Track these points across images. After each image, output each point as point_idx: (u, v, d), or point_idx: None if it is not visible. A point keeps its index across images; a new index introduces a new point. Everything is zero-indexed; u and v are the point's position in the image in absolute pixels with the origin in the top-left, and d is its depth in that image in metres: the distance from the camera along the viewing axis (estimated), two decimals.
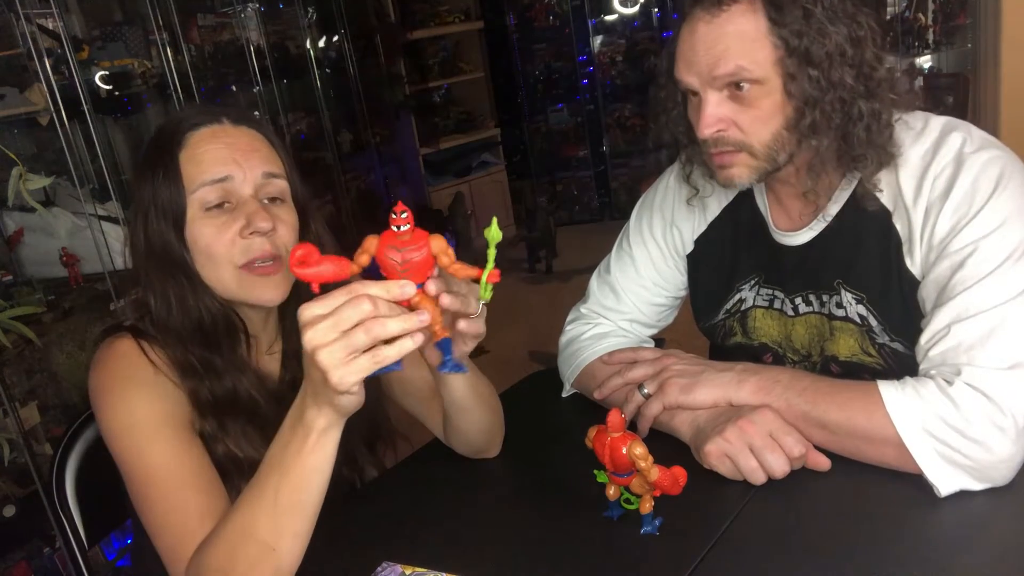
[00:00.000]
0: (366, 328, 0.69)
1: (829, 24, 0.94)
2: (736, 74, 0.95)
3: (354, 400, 0.75)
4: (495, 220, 0.73)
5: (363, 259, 0.73)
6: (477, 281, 0.76)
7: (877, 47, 0.97)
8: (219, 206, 0.97)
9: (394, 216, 0.72)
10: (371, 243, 0.73)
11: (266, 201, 0.99)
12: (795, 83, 0.95)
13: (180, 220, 0.97)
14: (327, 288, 0.72)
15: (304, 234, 1.04)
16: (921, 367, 0.94)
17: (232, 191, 0.97)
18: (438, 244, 0.73)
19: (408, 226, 0.72)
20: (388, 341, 0.71)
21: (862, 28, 0.96)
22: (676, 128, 1.11)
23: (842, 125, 0.97)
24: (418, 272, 0.72)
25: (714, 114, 0.98)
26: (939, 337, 0.91)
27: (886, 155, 0.97)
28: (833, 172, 1.04)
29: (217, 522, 0.87)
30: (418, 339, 0.72)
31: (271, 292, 0.99)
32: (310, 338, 0.70)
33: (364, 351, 0.70)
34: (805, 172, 1.02)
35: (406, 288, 0.71)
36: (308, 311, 0.71)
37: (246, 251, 0.97)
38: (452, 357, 0.79)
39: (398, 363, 0.73)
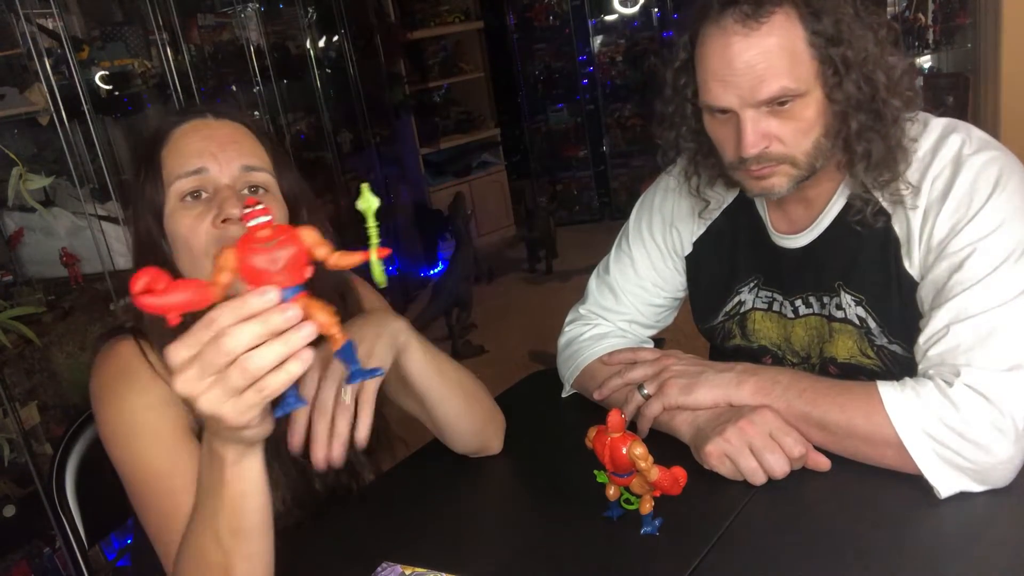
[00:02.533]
0: (240, 368, 0.59)
1: (859, 28, 0.93)
2: (781, 94, 0.93)
3: (259, 432, 0.69)
4: (366, 186, 0.62)
5: (224, 278, 0.60)
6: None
7: (895, 45, 0.97)
8: (196, 196, 0.95)
9: (248, 211, 0.60)
10: (227, 257, 0.60)
11: (246, 191, 0.97)
12: (839, 89, 0.93)
13: (160, 214, 0.97)
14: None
15: None
16: (920, 367, 0.94)
17: (208, 181, 0.96)
18: (311, 236, 0.62)
19: (268, 218, 0.60)
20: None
21: (883, 28, 0.96)
22: (686, 144, 1.09)
23: (882, 127, 0.96)
24: (296, 272, 0.60)
25: (757, 132, 0.94)
26: (938, 337, 0.91)
27: (906, 154, 0.97)
28: (831, 177, 1.03)
29: None
30: (307, 358, 0.61)
31: None
32: (181, 389, 0.61)
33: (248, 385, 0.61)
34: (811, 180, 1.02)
35: (268, 295, 0.59)
36: (174, 355, 0.61)
37: (220, 241, 0.94)
38: (358, 365, 0.67)
39: (299, 399, 0.64)
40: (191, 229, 0.94)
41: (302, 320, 0.60)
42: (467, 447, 1.10)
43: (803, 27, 0.92)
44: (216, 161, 0.96)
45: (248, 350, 0.59)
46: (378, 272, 0.64)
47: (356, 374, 0.68)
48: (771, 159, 0.97)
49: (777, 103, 0.94)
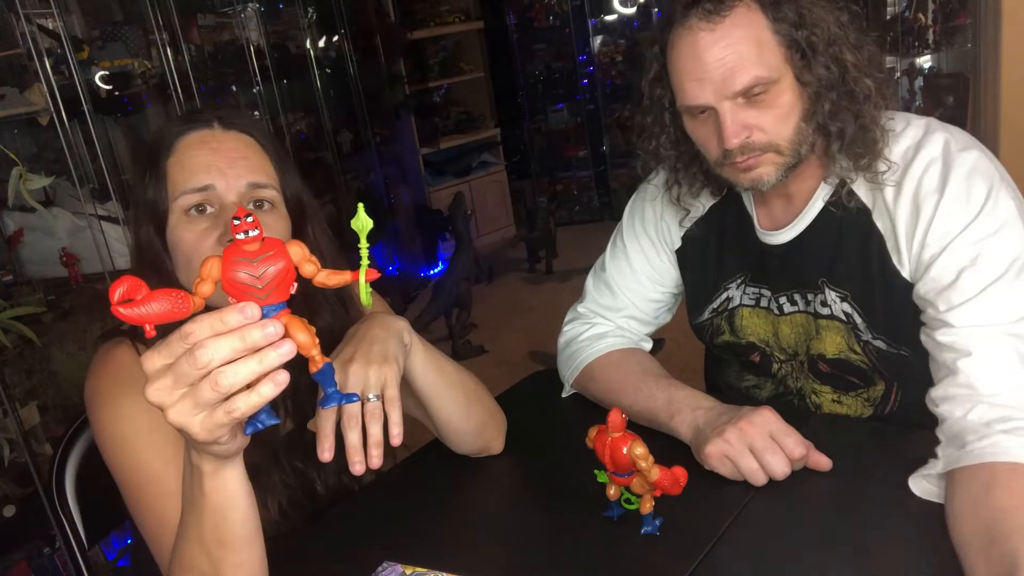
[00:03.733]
0: (212, 383, 0.57)
1: (820, 11, 0.96)
2: (754, 84, 0.94)
3: (229, 449, 0.67)
4: (361, 207, 0.61)
5: (205, 288, 0.59)
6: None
7: (858, 29, 0.99)
8: (200, 210, 0.95)
9: (237, 223, 0.58)
10: (212, 266, 0.59)
11: (253, 206, 0.97)
12: (809, 72, 0.95)
13: (161, 224, 0.96)
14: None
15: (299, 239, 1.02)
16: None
17: (214, 198, 0.95)
18: (298, 251, 0.60)
19: (257, 231, 0.58)
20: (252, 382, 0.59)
21: (844, 13, 0.98)
22: (666, 152, 1.11)
23: (855, 106, 0.97)
24: (280, 289, 0.59)
25: (736, 123, 0.96)
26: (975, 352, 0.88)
27: (884, 133, 0.98)
28: (813, 173, 1.04)
29: None
30: (281, 381, 0.58)
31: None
32: (151, 397, 0.60)
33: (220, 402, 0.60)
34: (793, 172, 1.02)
35: (247, 311, 0.57)
36: (148, 363, 0.60)
37: None
38: (335, 388, 0.65)
39: (270, 417, 0.63)
40: (194, 244, 0.94)
41: (282, 338, 0.58)
42: (469, 448, 1.10)
43: (765, 16, 0.95)
44: (223, 177, 0.95)
45: (223, 364, 0.57)
46: (364, 294, 0.62)
47: (332, 397, 0.65)
48: (755, 148, 0.98)
49: (752, 93, 0.95)
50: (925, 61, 3.70)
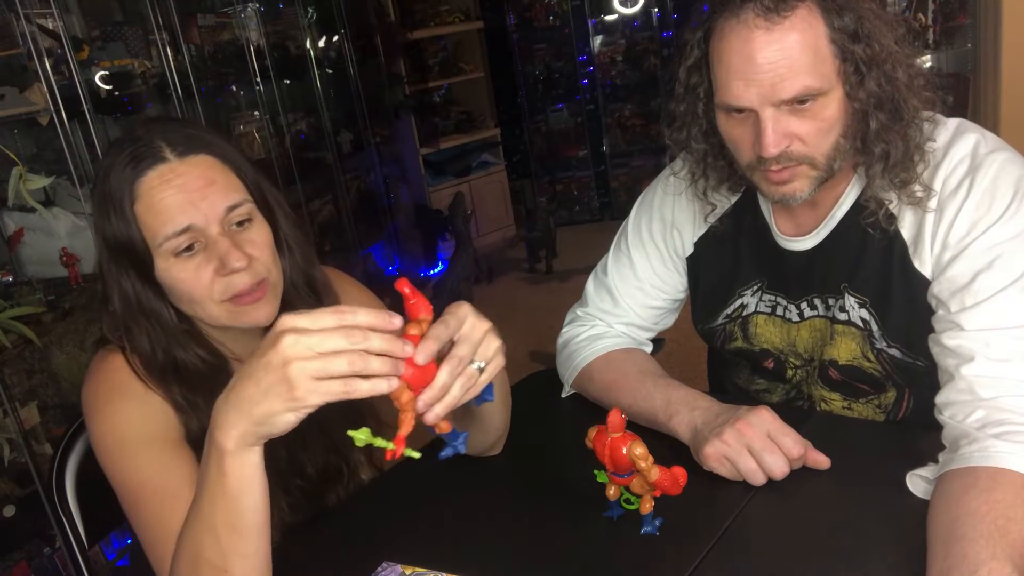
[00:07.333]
0: (349, 360, 0.67)
1: (881, 24, 0.92)
2: (804, 93, 0.90)
3: (288, 423, 0.70)
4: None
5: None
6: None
7: (911, 44, 0.96)
8: (189, 249, 0.93)
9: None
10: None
11: (235, 226, 0.95)
12: (861, 88, 0.92)
13: (143, 265, 0.95)
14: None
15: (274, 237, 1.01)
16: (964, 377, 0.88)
17: (198, 234, 0.93)
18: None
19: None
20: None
21: (901, 26, 0.94)
22: (697, 144, 1.07)
23: (901, 127, 0.94)
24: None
25: (778, 131, 0.92)
26: (978, 352, 0.87)
27: (924, 155, 0.95)
28: (840, 178, 1.02)
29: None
30: (393, 383, 0.69)
31: (261, 314, 0.96)
32: (289, 346, 0.67)
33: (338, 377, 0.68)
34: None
35: (395, 321, 0.69)
36: (291, 321, 0.68)
37: (227, 288, 0.94)
38: (454, 443, 0.80)
39: (460, 447, 0.79)
40: (193, 281, 0.94)
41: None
42: (479, 449, 1.10)
43: (825, 23, 0.90)
44: (200, 212, 0.92)
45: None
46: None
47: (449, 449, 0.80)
48: (791, 159, 0.94)
49: (797, 102, 0.91)
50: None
